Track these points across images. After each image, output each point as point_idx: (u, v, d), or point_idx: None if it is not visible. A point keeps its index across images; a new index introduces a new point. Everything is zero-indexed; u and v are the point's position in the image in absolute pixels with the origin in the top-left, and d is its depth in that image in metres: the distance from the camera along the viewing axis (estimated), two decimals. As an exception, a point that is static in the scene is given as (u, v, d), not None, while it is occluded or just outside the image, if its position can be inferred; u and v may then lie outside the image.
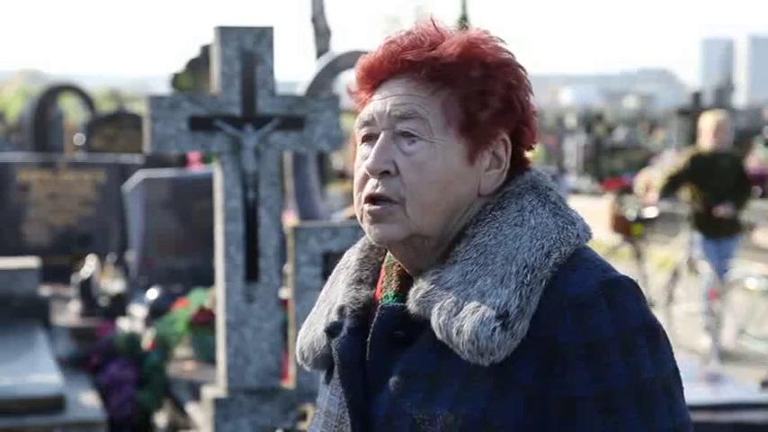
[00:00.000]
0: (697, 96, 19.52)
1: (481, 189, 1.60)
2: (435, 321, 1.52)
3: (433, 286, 1.55)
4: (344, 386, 1.59)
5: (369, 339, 1.59)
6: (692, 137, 18.81)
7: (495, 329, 1.47)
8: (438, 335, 1.52)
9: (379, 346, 1.58)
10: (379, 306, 1.61)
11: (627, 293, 1.52)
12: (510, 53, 1.60)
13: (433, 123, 1.57)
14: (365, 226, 1.60)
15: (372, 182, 1.58)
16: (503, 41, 1.61)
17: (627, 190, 20.91)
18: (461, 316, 1.50)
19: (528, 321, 1.48)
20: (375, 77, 1.62)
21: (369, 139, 1.61)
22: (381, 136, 1.59)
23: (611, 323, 1.49)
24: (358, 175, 1.61)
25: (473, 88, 1.57)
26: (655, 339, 1.52)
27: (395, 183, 1.57)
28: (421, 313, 1.55)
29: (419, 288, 1.56)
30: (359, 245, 1.76)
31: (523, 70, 1.61)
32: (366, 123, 1.62)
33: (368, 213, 1.58)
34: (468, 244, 1.57)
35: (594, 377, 1.48)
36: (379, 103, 1.60)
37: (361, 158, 1.61)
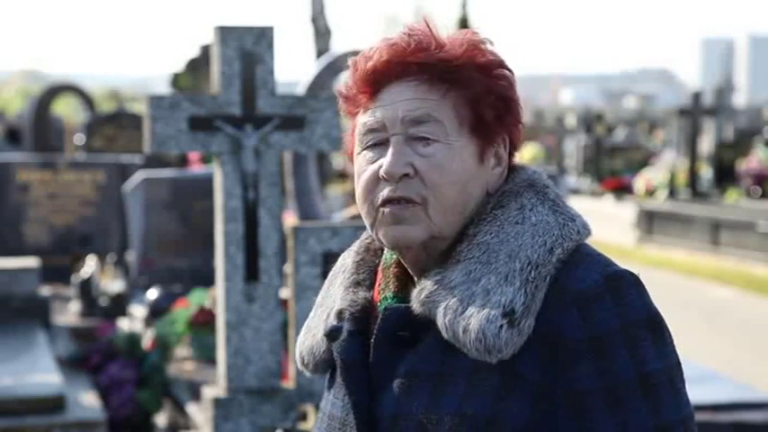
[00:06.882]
0: (697, 96, 19.52)
1: (489, 188, 1.61)
2: (441, 321, 1.52)
3: (436, 286, 1.55)
4: (348, 388, 1.59)
5: (372, 340, 1.59)
6: (692, 137, 18.81)
7: (501, 327, 1.48)
8: (444, 334, 1.52)
9: (384, 347, 1.58)
10: (383, 307, 1.60)
11: (630, 287, 1.53)
12: (500, 54, 1.62)
13: (448, 125, 1.57)
14: (381, 230, 1.58)
15: (388, 186, 1.56)
16: (491, 42, 1.63)
17: (626, 190, 20.93)
18: (467, 314, 1.50)
19: (534, 318, 1.49)
20: (378, 82, 1.59)
21: (375, 146, 1.59)
22: (394, 140, 1.57)
23: (616, 317, 1.50)
24: (364, 180, 1.59)
25: (480, 89, 1.58)
26: (658, 332, 1.54)
27: (415, 184, 1.56)
28: (426, 313, 1.55)
29: (423, 288, 1.56)
30: (354, 247, 1.75)
31: (512, 71, 1.63)
32: (372, 131, 1.59)
33: (388, 215, 1.56)
34: (471, 243, 1.57)
35: (600, 371, 1.49)
36: (388, 109, 1.58)
37: (366, 162, 1.59)
